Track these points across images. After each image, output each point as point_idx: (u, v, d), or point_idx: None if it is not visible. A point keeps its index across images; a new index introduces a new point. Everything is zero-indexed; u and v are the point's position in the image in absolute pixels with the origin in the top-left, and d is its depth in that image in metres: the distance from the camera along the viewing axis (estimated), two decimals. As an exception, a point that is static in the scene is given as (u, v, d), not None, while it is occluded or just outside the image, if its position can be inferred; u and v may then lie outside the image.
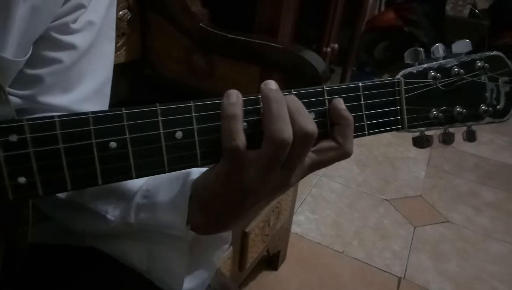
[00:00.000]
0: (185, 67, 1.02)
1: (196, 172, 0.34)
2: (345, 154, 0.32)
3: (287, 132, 0.28)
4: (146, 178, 0.37)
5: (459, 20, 2.84)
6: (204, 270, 0.39)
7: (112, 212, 0.37)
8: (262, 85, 0.29)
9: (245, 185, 0.29)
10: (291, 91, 0.31)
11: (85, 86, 0.41)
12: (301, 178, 0.32)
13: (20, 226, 0.29)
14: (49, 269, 0.44)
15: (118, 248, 0.40)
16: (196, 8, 0.97)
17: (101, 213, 0.38)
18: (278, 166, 0.29)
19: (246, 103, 0.29)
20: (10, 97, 0.37)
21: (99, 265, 0.43)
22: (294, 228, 1.41)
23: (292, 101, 0.29)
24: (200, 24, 0.95)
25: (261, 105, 0.29)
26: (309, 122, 0.29)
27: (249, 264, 0.99)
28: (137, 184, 0.38)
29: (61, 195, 0.38)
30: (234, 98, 0.28)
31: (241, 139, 0.28)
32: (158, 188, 0.36)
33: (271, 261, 1.25)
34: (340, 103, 0.31)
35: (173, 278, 0.38)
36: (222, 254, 0.40)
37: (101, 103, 0.44)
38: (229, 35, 0.92)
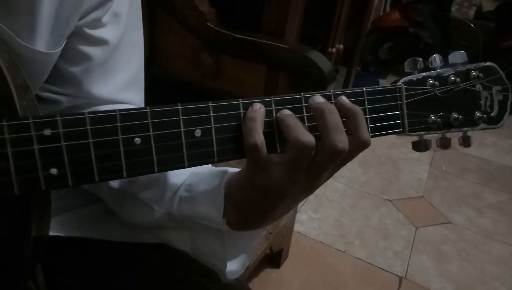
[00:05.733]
0: (193, 65, 1.03)
1: (231, 171, 0.37)
2: (362, 144, 0.32)
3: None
4: (189, 172, 0.40)
5: (464, 22, 2.83)
6: (244, 254, 0.42)
7: (159, 204, 0.40)
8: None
9: (272, 187, 0.31)
10: (300, 95, 0.32)
11: (121, 77, 0.43)
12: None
13: (44, 217, 0.31)
14: (67, 259, 0.45)
15: (163, 236, 0.43)
16: (204, 7, 0.98)
17: (149, 204, 0.40)
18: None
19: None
20: (59, 97, 0.40)
21: (119, 256, 0.45)
22: (297, 227, 1.43)
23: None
24: (208, 23, 0.96)
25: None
26: (342, 138, 0.30)
27: (252, 261, 1.00)
28: (181, 178, 0.40)
29: (113, 184, 0.41)
30: (257, 107, 0.30)
31: (259, 138, 0.29)
32: (199, 184, 0.39)
33: (274, 258, 1.27)
34: (342, 99, 0.33)
35: (216, 260, 0.41)
36: (261, 240, 0.43)
37: (138, 90, 0.46)
38: (236, 35, 0.93)
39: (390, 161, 1.97)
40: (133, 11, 0.43)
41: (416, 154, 2.03)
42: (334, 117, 0.30)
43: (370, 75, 2.99)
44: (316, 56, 0.88)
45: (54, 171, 0.25)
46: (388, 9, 3.30)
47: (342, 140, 0.30)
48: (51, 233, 0.38)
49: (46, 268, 0.42)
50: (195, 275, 0.43)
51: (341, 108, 0.32)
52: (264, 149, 0.30)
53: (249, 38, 0.92)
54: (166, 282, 0.43)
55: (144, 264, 0.44)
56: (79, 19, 0.37)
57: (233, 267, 0.42)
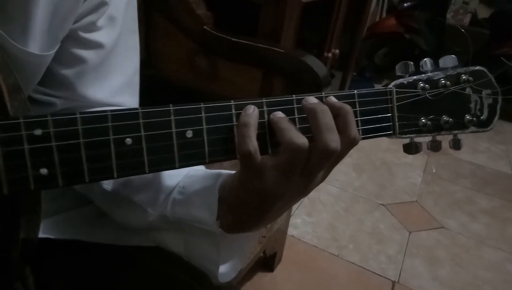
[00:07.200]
0: (188, 69, 1.03)
1: (225, 174, 0.37)
2: (352, 142, 0.32)
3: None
4: (183, 175, 0.40)
5: (457, 28, 2.86)
6: (237, 257, 0.42)
7: (153, 207, 0.39)
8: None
9: (266, 190, 0.31)
10: (292, 96, 0.33)
11: (116, 80, 0.43)
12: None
13: (33, 219, 0.31)
14: (58, 262, 0.45)
15: (157, 237, 0.43)
16: (201, 11, 0.99)
17: (143, 207, 0.40)
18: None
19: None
20: (53, 99, 0.40)
21: (106, 259, 0.44)
22: (291, 231, 1.42)
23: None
24: (204, 27, 0.96)
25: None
26: (334, 138, 0.30)
27: (245, 264, 1.00)
28: (175, 180, 0.40)
29: (106, 186, 0.40)
30: (250, 110, 0.31)
31: (252, 145, 0.30)
32: (193, 186, 0.39)
33: (267, 262, 1.26)
34: (331, 98, 0.33)
35: (209, 262, 0.41)
36: (255, 243, 0.42)
37: (132, 93, 0.46)
38: (232, 39, 0.93)
39: (384, 166, 1.98)
40: (129, 14, 0.43)
41: (410, 159, 2.06)
42: (326, 118, 0.31)
43: (365, 81, 3.01)
44: (312, 61, 0.88)
45: (44, 171, 0.25)
46: (384, 15, 3.32)
47: (334, 140, 0.30)
48: (41, 235, 0.38)
49: (36, 270, 0.41)
50: (186, 277, 0.43)
51: (331, 108, 0.32)
52: (257, 155, 0.30)
53: (245, 42, 0.92)
54: (156, 283, 0.43)
55: (135, 266, 0.44)
56: (74, 23, 0.37)
57: (226, 270, 0.42)
